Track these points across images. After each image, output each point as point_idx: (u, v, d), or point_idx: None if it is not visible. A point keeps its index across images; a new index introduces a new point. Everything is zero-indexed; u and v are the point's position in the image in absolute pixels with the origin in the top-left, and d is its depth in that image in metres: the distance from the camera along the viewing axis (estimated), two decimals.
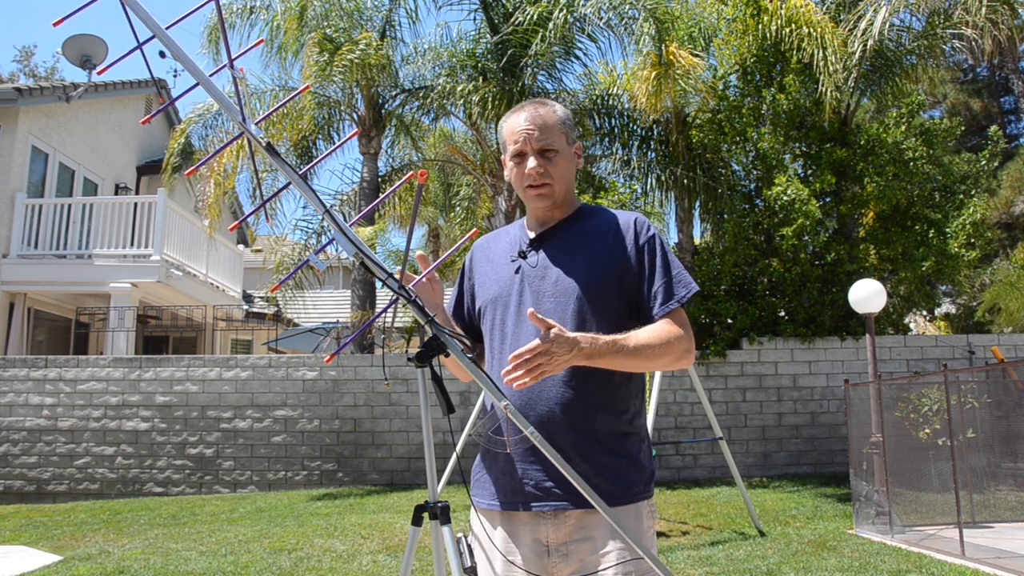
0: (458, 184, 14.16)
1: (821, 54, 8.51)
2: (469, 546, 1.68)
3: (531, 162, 1.76)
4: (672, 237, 13.20)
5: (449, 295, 1.97)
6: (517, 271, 1.79)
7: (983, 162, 10.15)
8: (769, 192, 8.99)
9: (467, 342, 1.66)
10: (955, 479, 5.25)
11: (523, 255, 1.80)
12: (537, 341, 1.51)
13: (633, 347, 1.62)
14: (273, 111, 1.75)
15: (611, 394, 1.70)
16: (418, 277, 1.78)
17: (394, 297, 1.68)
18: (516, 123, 1.78)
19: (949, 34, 9.35)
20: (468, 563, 1.63)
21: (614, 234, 1.76)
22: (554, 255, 1.77)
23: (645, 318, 1.73)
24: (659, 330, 1.68)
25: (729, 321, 9.56)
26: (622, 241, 1.75)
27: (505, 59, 9.59)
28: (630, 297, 1.74)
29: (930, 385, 6.70)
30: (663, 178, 10.35)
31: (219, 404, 9.20)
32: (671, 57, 8.82)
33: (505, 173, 1.88)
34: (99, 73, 1.54)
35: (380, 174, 11.03)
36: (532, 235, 1.83)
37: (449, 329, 1.66)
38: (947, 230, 9.37)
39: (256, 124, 1.58)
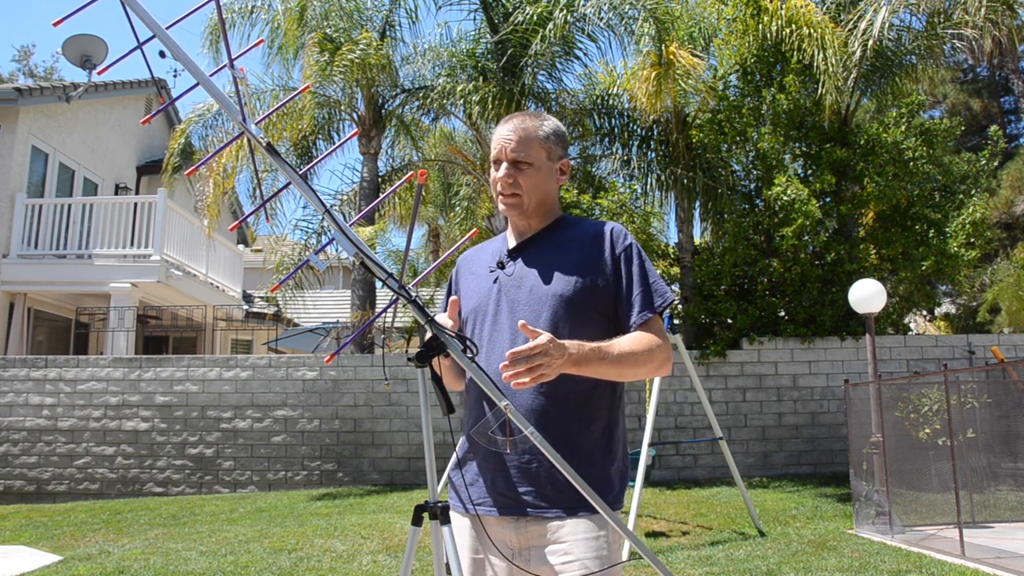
0: (458, 184, 14.16)
1: (821, 54, 8.51)
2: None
3: (500, 171, 1.79)
4: (672, 237, 13.21)
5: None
6: (495, 281, 1.81)
7: (983, 162, 10.15)
8: (769, 192, 8.99)
9: (468, 342, 1.66)
10: (955, 479, 5.25)
11: (501, 265, 1.83)
12: (536, 341, 1.51)
13: (617, 355, 1.64)
14: (273, 111, 1.75)
15: (581, 403, 1.71)
16: (418, 277, 1.79)
17: (394, 297, 1.69)
18: (500, 131, 1.83)
19: (949, 34, 9.35)
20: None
21: (590, 243, 1.78)
22: (530, 265, 1.79)
23: (621, 327, 1.74)
24: (640, 338, 1.69)
25: (729, 321, 9.56)
26: (598, 250, 1.77)
27: (505, 59, 9.59)
28: (605, 306, 1.75)
29: (930, 385, 6.70)
30: (663, 178, 10.35)
31: (219, 404, 9.20)
32: (671, 57, 8.82)
33: None
34: (99, 73, 1.54)
35: (380, 174, 11.03)
36: (512, 245, 1.86)
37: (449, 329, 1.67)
38: (947, 230, 9.37)
39: (256, 124, 1.58)
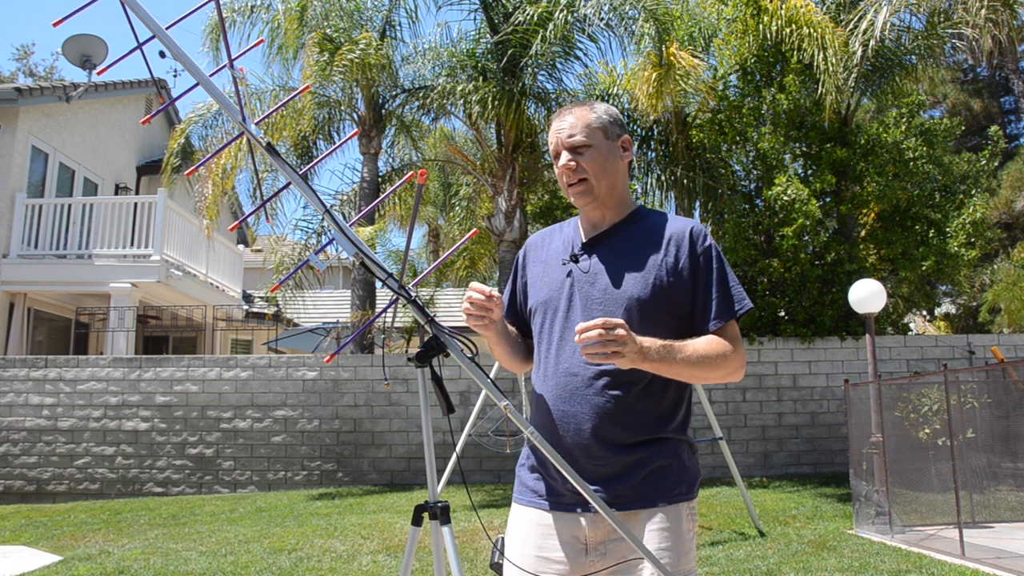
0: (458, 184, 14.16)
1: (821, 54, 8.51)
2: (500, 546, 1.67)
3: (562, 158, 1.76)
4: None
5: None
6: (568, 275, 1.77)
7: (983, 162, 10.14)
8: (769, 192, 8.99)
9: (468, 342, 1.66)
10: (955, 479, 5.25)
11: (575, 259, 1.78)
12: (621, 323, 1.50)
13: (690, 356, 1.61)
14: (273, 111, 1.75)
15: (653, 404, 1.68)
16: (418, 277, 1.78)
17: (394, 297, 1.69)
18: (554, 126, 1.80)
19: (949, 34, 9.35)
20: (494, 559, 1.64)
21: (669, 243, 1.73)
22: (606, 261, 1.74)
23: (696, 330, 1.71)
24: (715, 342, 1.67)
25: None
26: (677, 250, 1.72)
27: (505, 59, 9.59)
28: (681, 309, 1.71)
29: (930, 385, 6.69)
30: (663, 178, 10.35)
31: (219, 404, 9.20)
32: (672, 58, 8.82)
33: None
34: (99, 73, 1.55)
35: (380, 174, 11.03)
36: (585, 238, 1.81)
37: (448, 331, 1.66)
38: (947, 230, 9.36)
39: (256, 124, 1.58)
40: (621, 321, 1.50)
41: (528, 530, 1.73)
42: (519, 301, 1.92)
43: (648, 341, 1.56)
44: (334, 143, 10.23)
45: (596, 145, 1.75)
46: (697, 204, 10.44)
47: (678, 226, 1.75)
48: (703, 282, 1.71)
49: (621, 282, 1.70)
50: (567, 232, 1.86)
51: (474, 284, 1.67)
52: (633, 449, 1.65)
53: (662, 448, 1.67)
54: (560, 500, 1.70)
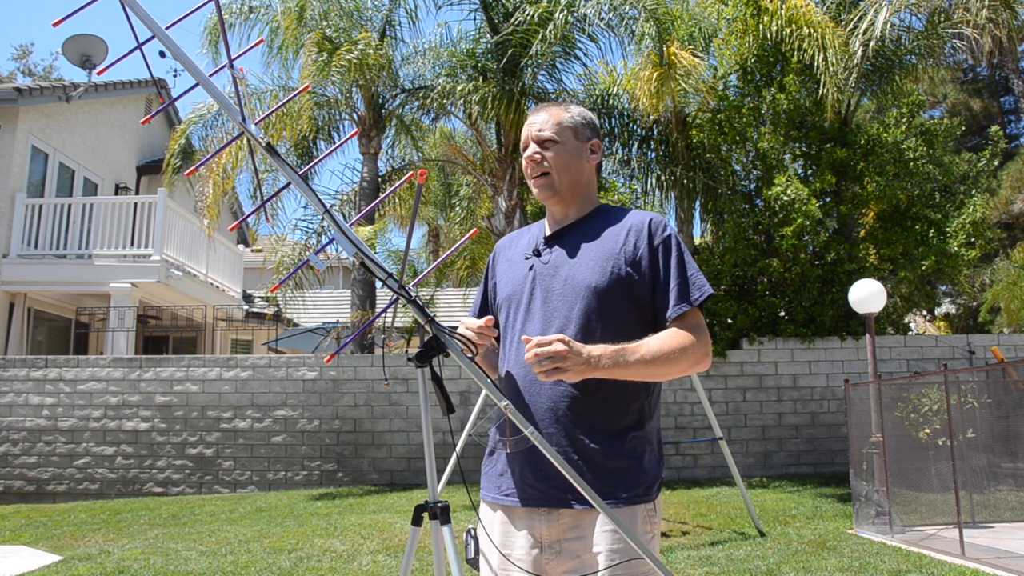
0: (458, 184, 14.17)
1: (822, 54, 8.51)
2: (476, 539, 1.68)
3: (529, 150, 1.81)
4: None
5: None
6: (530, 269, 1.80)
7: (983, 162, 10.14)
8: (769, 192, 8.99)
9: (468, 343, 1.66)
10: (955, 479, 5.25)
11: (537, 253, 1.82)
12: (557, 338, 1.51)
13: (643, 357, 1.60)
14: (273, 111, 1.75)
15: (614, 393, 1.68)
16: (418, 277, 1.78)
17: (394, 297, 1.69)
18: (528, 120, 1.85)
19: (949, 34, 9.36)
20: (471, 555, 1.64)
21: (628, 234, 1.75)
22: (566, 253, 1.78)
23: (658, 320, 1.71)
24: (672, 336, 1.66)
25: (729, 321, 9.56)
26: (636, 241, 1.74)
27: (505, 59, 9.59)
28: (641, 299, 1.72)
29: (930, 385, 6.69)
30: (663, 178, 10.35)
31: (219, 404, 9.20)
32: (672, 58, 8.82)
33: None
34: (99, 73, 1.55)
35: (380, 174, 11.03)
36: (548, 233, 1.85)
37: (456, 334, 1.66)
38: (947, 230, 9.36)
39: (256, 124, 1.59)
40: (558, 336, 1.52)
41: (493, 528, 1.75)
42: (490, 302, 1.95)
43: (598, 349, 1.56)
44: (334, 143, 10.23)
45: (563, 143, 1.80)
46: (697, 204, 10.44)
47: (637, 218, 1.79)
48: (662, 270, 1.72)
49: (580, 273, 1.72)
50: (533, 231, 1.91)
51: (465, 321, 1.76)
52: (591, 441, 1.65)
53: (621, 446, 1.67)
54: (518, 496, 1.71)
